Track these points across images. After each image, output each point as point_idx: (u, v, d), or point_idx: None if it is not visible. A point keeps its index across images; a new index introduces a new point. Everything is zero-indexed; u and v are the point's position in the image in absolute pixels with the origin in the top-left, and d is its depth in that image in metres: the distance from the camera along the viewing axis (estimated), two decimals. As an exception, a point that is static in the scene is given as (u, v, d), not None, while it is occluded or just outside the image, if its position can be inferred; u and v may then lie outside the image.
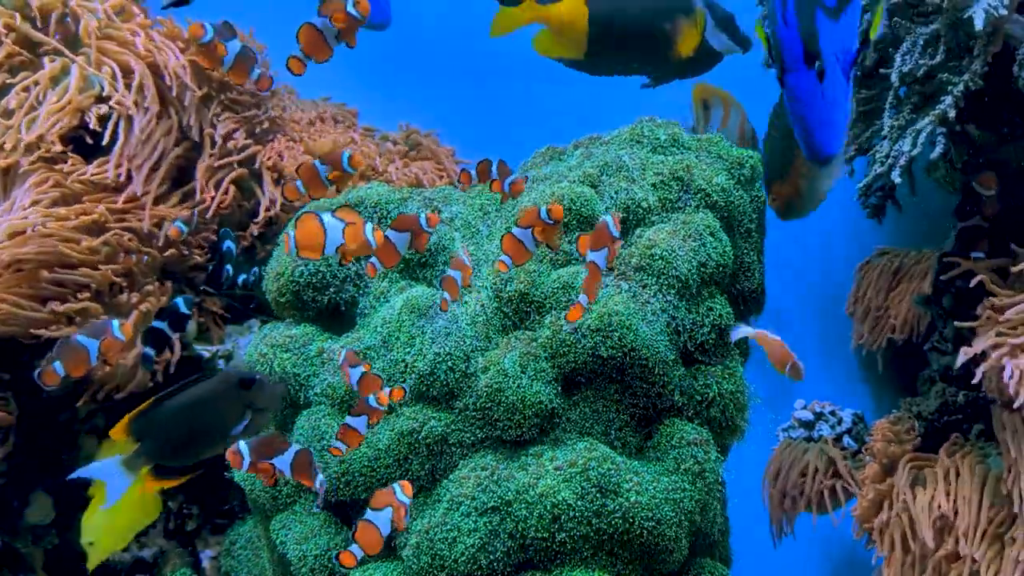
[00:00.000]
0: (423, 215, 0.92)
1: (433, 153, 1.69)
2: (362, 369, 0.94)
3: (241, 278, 1.35)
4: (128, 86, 1.34)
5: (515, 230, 0.93)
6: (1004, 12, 1.06)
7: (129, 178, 1.33)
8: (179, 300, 1.18)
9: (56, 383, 0.94)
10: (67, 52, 1.36)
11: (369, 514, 0.86)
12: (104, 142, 1.32)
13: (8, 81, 1.35)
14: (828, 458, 1.42)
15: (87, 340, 0.93)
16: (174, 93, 1.38)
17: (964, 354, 1.14)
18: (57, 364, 0.93)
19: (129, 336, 0.94)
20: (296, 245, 0.86)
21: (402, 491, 0.86)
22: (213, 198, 1.38)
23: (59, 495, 1.32)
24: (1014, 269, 1.19)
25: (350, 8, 0.87)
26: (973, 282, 1.19)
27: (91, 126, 1.32)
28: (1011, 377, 1.06)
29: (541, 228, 0.92)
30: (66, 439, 1.33)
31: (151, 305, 1.26)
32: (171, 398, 0.93)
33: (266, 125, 1.48)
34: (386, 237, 0.90)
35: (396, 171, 1.56)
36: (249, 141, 1.44)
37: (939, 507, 1.14)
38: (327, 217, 0.85)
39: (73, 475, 0.91)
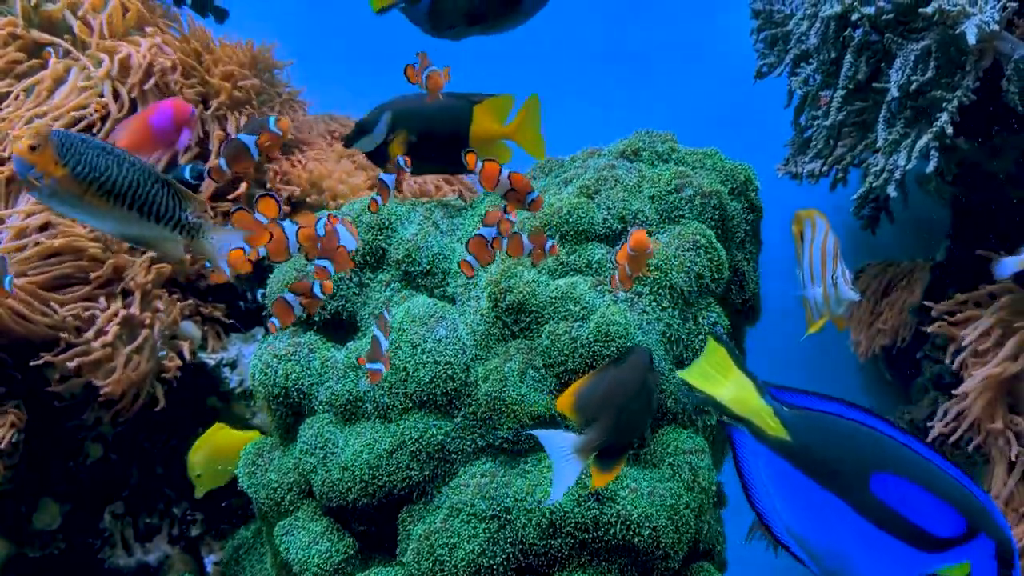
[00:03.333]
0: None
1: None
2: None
3: (261, 293, 1.37)
4: (125, 86, 1.35)
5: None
6: (995, 27, 1.08)
7: None
8: (185, 169, 1.20)
9: (223, 180, 0.98)
10: (73, 50, 1.38)
11: (483, 229, 0.96)
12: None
13: (12, 87, 1.38)
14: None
15: (247, 137, 0.97)
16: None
17: (950, 408, 1.18)
18: (222, 161, 0.96)
19: (286, 130, 0.96)
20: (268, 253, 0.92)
21: (510, 214, 0.97)
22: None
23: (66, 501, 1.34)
24: (966, 312, 1.23)
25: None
26: (933, 328, 1.24)
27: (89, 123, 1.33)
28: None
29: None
30: (72, 446, 1.35)
31: (162, 323, 1.28)
32: (602, 375, 0.87)
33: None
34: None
35: (404, 181, 1.58)
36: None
37: None
38: (287, 224, 0.92)
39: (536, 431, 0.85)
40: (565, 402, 0.83)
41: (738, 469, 0.76)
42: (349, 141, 1.02)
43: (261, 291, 1.36)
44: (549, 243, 0.98)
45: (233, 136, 0.97)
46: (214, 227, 0.87)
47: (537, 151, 1.03)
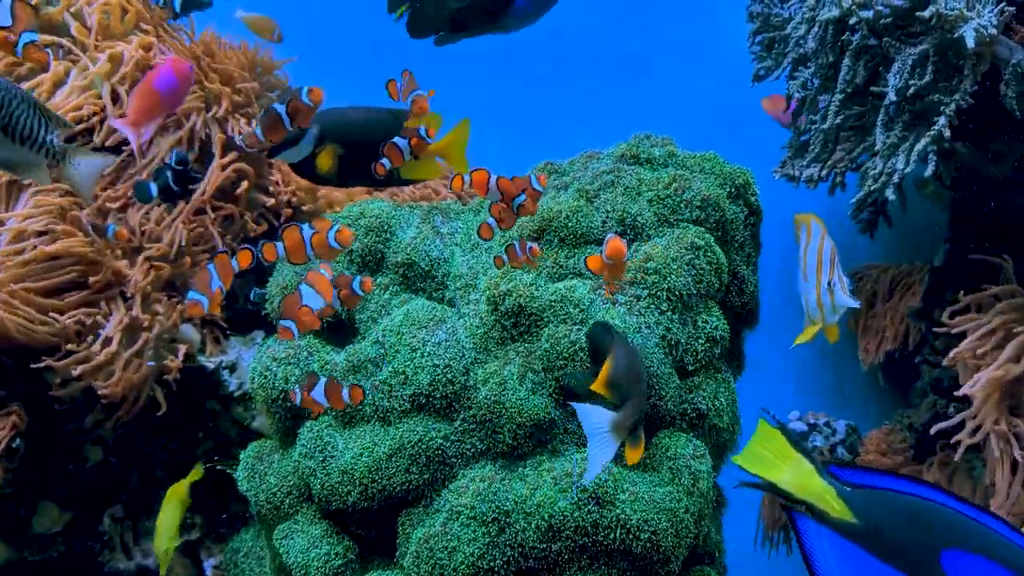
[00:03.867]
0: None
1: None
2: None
3: (255, 292, 1.37)
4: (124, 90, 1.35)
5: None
6: (994, 31, 1.09)
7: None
8: (171, 154, 1.19)
9: (256, 147, 0.99)
10: (75, 49, 1.38)
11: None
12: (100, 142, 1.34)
13: None
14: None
15: (280, 107, 0.97)
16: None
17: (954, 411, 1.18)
18: (258, 130, 0.97)
19: (319, 101, 0.96)
20: (285, 252, 0.94)
21: (537, 181, 0.98)
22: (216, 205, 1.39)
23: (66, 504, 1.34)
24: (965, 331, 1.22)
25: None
26: (947, 361, 1.23)
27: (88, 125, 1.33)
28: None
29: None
30: (72, 449, 1.35)
31: (161, 326, 1.28)
32: (617, 356, 0.89)
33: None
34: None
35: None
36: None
37: None
38: (306, 227, 0.94)
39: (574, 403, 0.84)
40: (601, 381, 0.82)
41: (803, 552, 0.74)
42: (274, 152, 1.00)
43: (258, 291, 1.36)
44: (529, 245, 0.98)
45: (269, 106, 0.97)
46: (81, 151, 0.86)
47: (461, 166, 1.04)
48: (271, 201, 1.44)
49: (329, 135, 0.98)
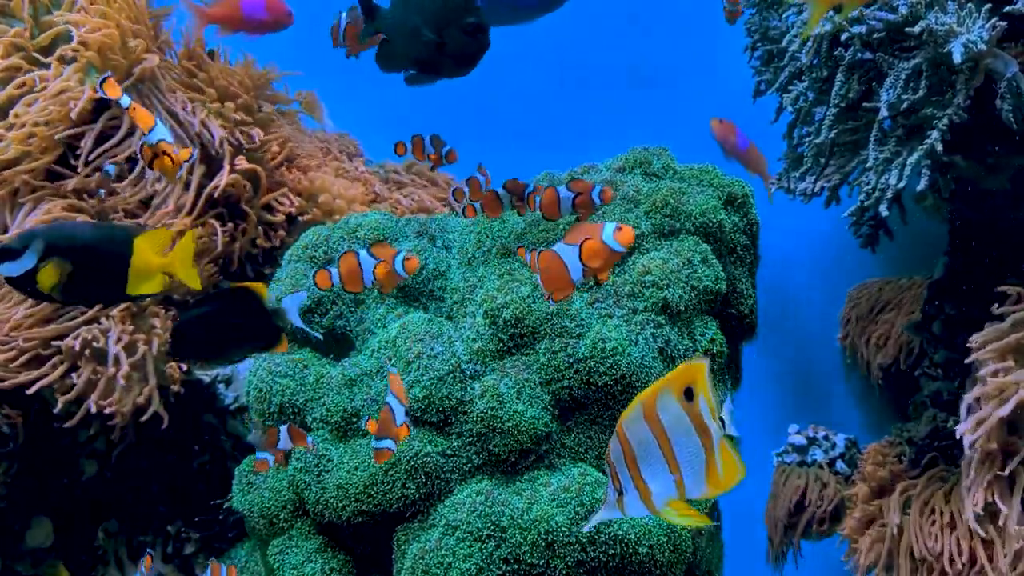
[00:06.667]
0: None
1: (433, 181, 1.72)
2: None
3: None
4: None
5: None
6: (983, 47, 1.09)
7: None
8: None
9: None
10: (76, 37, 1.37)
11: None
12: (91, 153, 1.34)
13: (18, 91, 1.37)
14: (822, 483, 1.43)
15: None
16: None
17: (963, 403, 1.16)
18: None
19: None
20: (340, 280, 0.97)
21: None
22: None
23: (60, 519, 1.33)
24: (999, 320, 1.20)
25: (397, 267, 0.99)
26: (985, 373, 1.19)
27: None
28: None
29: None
30: (67, 463, 1.34)
31: (159, 339, 1.28)
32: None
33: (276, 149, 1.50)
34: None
35: (404, 198, 1.59)
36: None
37: (922, 542, 1.16)
38: (363, 253, 0.98)
39: None
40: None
41: None
42: None
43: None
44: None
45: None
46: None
47: (193, 282, 1.04)
48: (279, 217, 1.44)
49: (54, 250, 0.92)
